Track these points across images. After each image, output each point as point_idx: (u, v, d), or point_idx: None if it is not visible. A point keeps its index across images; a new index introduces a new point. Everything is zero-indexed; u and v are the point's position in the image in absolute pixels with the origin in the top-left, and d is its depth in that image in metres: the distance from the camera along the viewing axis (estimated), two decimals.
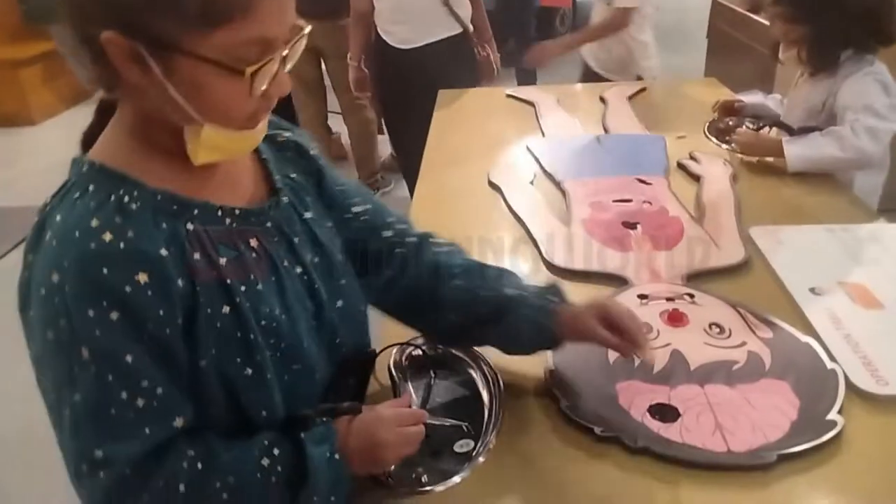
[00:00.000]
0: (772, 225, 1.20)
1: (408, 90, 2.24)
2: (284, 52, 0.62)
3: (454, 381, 0.89)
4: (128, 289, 0.58)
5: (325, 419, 0.71)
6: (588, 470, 0.75)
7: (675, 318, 0.95)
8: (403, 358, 0.92)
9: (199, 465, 0.62)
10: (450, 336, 0.90)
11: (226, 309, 0.64)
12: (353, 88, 2.48)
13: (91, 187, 0.61)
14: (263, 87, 0.61)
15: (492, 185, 1.44)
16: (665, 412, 0.80)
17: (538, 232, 1.23)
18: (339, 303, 0.79)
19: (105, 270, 0.58)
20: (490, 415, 0.82)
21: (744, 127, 1.59)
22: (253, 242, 0.69)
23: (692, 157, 1.49)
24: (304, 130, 0.85)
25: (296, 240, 0.73)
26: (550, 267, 1.13)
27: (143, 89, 0.59)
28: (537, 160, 1.54)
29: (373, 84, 2.44)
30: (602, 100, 1.91)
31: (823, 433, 0.75)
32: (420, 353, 0.92)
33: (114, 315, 0.58)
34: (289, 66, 0.64)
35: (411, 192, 1.59)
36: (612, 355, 0.89)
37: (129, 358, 0.59)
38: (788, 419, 0.78)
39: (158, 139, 0.63)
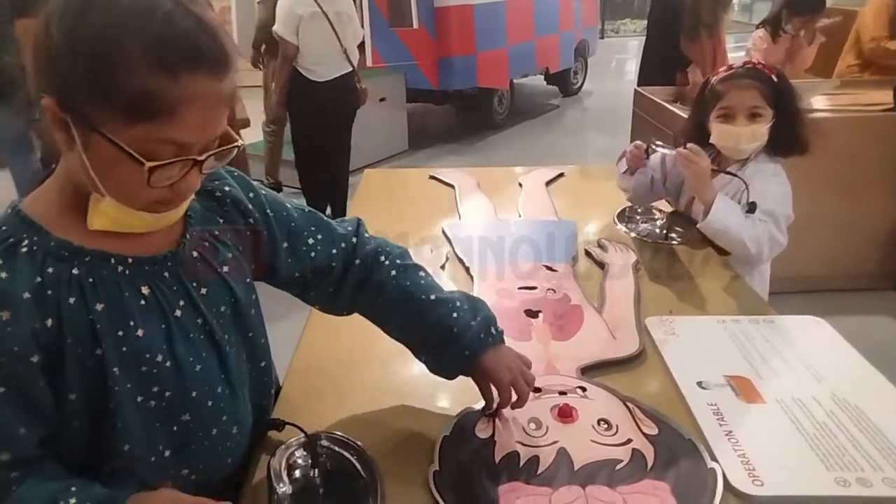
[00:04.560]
0: (668, 315, 1.23)
1: (322, 110, 3.41)
2: (200, 157, 0.66)
3: (332, 488, 0.85)
4: None
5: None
6: None
7: (565, 414, 0.95)
8: (289, 453, 0.89)
9: (7, 489, 0.67)
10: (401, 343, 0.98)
11: (98, 351, 0.68)
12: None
13: (2, 227, 0.67)
14: (168, 182, 0.66)
15: None
16: None
17: None
18: (244, 356, 0.85)
19: None
20: None
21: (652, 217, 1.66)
22: (144, 290, 0.72)
23: (599, 245, 1.54)
24: (245, 176, 0.89)
25: (203, 291, 0.77)
26: None
27: (68, 153, 0.66)
28: (450, 244, 1.56)
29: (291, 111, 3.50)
30: (520, 185, 1.96)
31: None
32: (304, 453, 0.89)
33: None
34: (206, 170, 0.69)
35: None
36: (498, 454, 0.88)
37: None
38: None
39: (76, 197, 0.69)
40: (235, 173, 0.86)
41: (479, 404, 0.97)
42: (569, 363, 1.08)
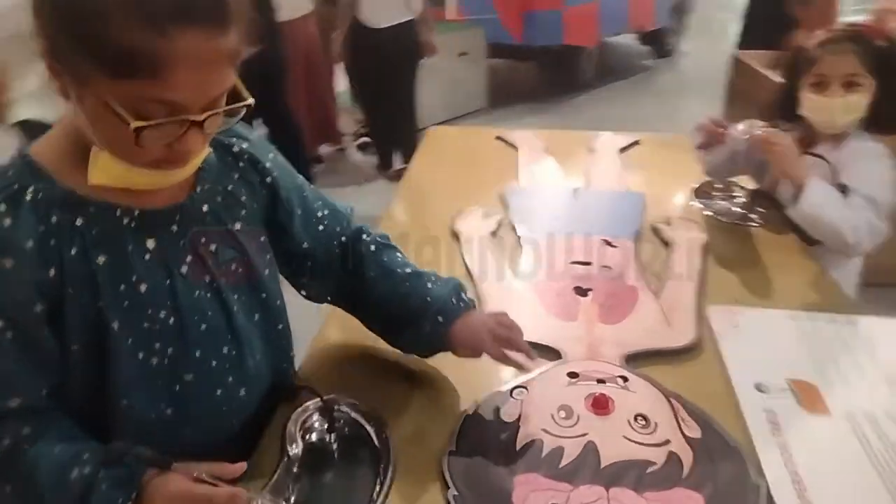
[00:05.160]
0: (734, 305, 1.12)
1: (376, 58, 3.38)
2: (199, 117, 0.62)
3: (343, 455, 0.82)
4: None
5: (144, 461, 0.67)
6: None
7: (600, 405, 0.87)
8: (306, 417, 0.86)
9: (25, 446, 0.66)
10: (379, 332, 0.96)
11: (99, 303, 0.67)
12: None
13: (9, 173, 0.66)
14: (163, 142, 0.63)
15: (454, 233, 1.39)
16: None
17: (485, 290, 1.16)
18: (257, 317, 0.81)
19: None
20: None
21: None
22: (149, 243, 0.70)
23: (668, 221, 1.42)
24: (265, 139, 0.87)
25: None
26: None
27: (67, 102, 0.63)
28: (506, 210, 1.49)
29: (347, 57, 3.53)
30: (591, 150, 1.85)
31: None
32: (320, 418, 0.86)
33: None
34: (210, 130, 0.64)
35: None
36: (520, 441, 0.82)
37: None
38: None
39: (81, 145, 0.66)
40: (255, 134, 0.83)
41: (509, 385, 0.92)
42: (613, 349, 1.00)
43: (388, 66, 3.49)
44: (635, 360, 0.99)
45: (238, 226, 0.78)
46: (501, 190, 1.58)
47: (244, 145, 0.81)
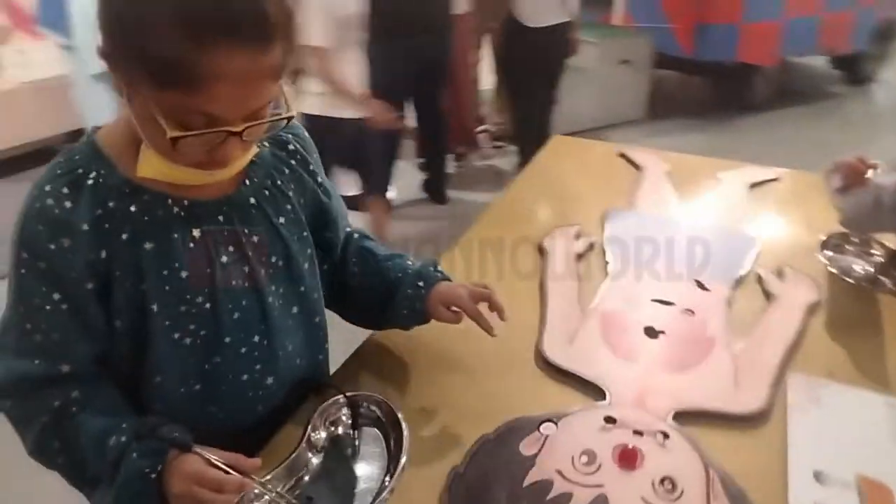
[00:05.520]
0: (823, 378, 1.00)
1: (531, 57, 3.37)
2: (236, 129, 0.65)
3: (357, 458, 0.85)
4: (52, 247, 0.69)
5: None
6: None
7: (627, 459, 0.83)
8: (332, 410, 0.89)
9: (72, 409, 0.73)
10: (361, 316, 1.01)
11: (143, 286, 0.72)
12: None
13: (76, 156, 0.72)
14: (202, 150, 0.66)
15: (540, 249, 1.36)
16: None
17: (552, 315, 1.13)
18: (294, 309, 0.86)
19: (40, 227, 0.69)
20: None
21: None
22: (195, 232, 0.75)
23: (778, 272, 1.29)
24: (310, 138, 0.91)
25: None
26: (539, 355, 1.03)
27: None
28: (603, 233, 1.43)
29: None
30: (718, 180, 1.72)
31: None
32: (346, 413, 0.89)
33: (41, 264, 0.70)
34: (251, 138, 0.68)
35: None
36: (531, 478, 0.79)
37: (37, 300, 0.71)
38: None
39: (137, 139, 0.70)
40: (303, 133, 0.87)
41: (539, 415, 0.89)
42: (665, 401, 0.94)
43: (541, 65, 3.48)
44: (688, 417, 0.92)
45: (282, 220, 0.81)
46: (605, 210, 1.52)
47: (298, 144, 0.85)
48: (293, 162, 0.84)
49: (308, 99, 2.49)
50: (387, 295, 0.95)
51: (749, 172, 1.78)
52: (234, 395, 0.81)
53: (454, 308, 0.93)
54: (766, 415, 0.93)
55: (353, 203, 3.46)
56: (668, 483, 0.80)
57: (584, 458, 0.83)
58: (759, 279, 1.27)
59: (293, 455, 0.82)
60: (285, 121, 0.69)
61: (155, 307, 0.73)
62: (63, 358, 0.73)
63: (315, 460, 0.84)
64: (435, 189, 3.68)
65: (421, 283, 0.94)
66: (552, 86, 3.62)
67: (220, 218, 0.76)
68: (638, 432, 0.87)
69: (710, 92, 5.51)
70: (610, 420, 0.89)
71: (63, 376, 0.73)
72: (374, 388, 0.93)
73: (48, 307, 0.70)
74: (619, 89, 4.71)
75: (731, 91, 5.23)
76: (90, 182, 0.70)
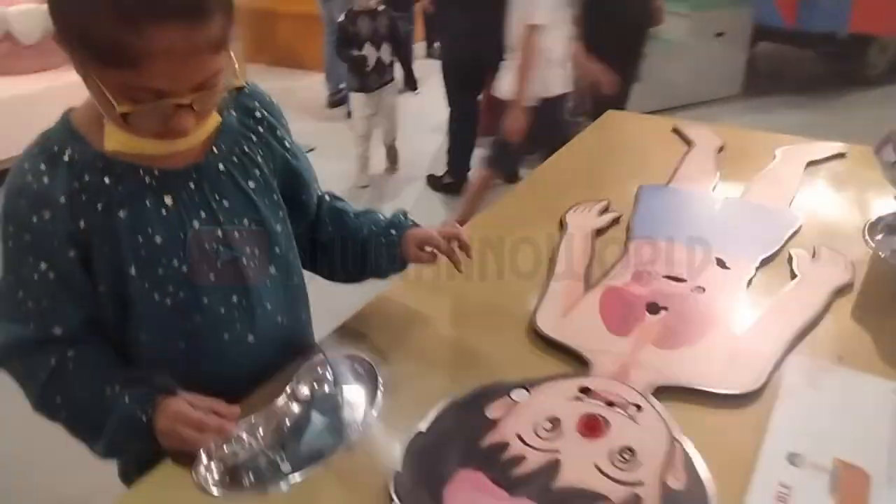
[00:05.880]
0: (828, 362, 0.95)
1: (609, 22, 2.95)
2: (185, 101, 0.70)
3: (333, 412, 0.90)
4: (34, 219, 0.76)
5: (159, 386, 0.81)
6: None
7: (591, 428, 0.82)
8: (315, 367, 0.94)
9: (68, 366, 0.80)
10: (338, 276, 1.07)
11: (121, 252, 0.78)
12: None
13: (51, 136, 0.78)
14: (154, 123, 0.71)
15: (561, 223, 1.35)
16: None
17: (553, 287, 1.13)
18: (272, 270, 0.91)
19: (21, 202, 0.76)
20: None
21: None
22: (167, 199, 0.80)
23: (814, 252, 1.22)
24: (278, 105, 0.95)
25: (225, 204, 0.84)
26: (533, 327, 1.04)
27: None
28: (635, 208, 1.40)
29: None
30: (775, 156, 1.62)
31: None
32: (328, 371, 0.94)
33: (26, 236, 0.77)
34: (201, 108, 0.73)
35: None
36: (490, 439, 0.81)
37: (26, 270, 0.77)
38: None
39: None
40: (269, 99, 0.91)
41: (512, 381, 0.90)
42: (647, 375, 0.92)
43: (620, 36, 3.37)
44: (672, 393, 0.90)
45: (252, 185, 0.86)
46: (641, 185, 1.48)
47: (265, 111, 0.89)
48: (260, 129, 0.89)
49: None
50: (362, 247, 1.02)
51: (811, 148, 1.67)
52: (218, 352, 0.87)
53: (428, 248, 1.00)
54: (755, 396, 0.90)
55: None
56: (627, 453, 0.79)
57: (548, 425, 0.83)
58: (790, 258, 1.21)
59: (271, 405, 0.88)
60: (236, 90, 0.74)
61: (133, 271, 0.78)
62: (55, 322, 0.79)
63: (294, 413, 0.89)
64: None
65: (393, 231, 1.02)
66: (633, 58, 3.48)
67: (191, 185, 0.81)
68: (611, 403, 0.87)
69: (814, 66, 5.12)
70: (585, 390, 0.89)
71: (57, 338, 0.79)
72: (360, 349, 0.98)
73: (36, 276, 0.76)
74: (714, 64, 4.48)
75: (840, 65, 4.83)
76: (66, 158, 0.75)
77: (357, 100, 3.59)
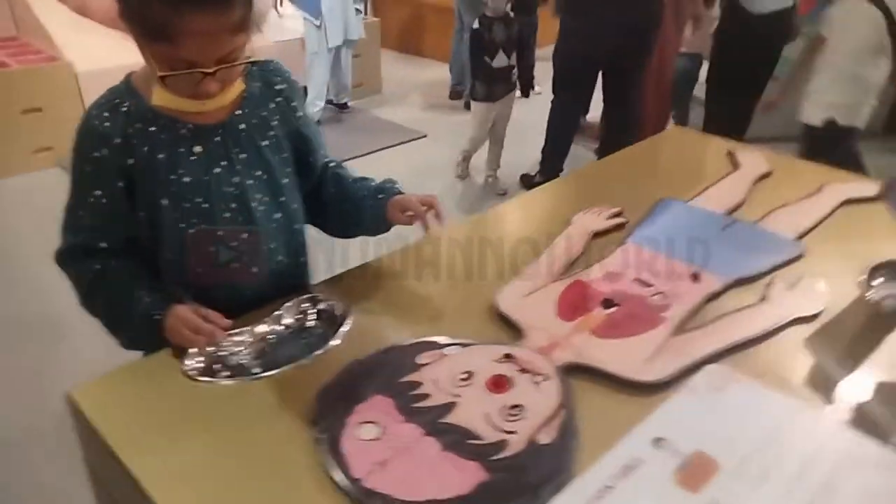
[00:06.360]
0: (744, 375, 1.02)
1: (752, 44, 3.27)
2: (209, 70, 0.92)
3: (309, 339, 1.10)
4: (96, 154, 0.99)
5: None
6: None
7: (496, 384, 0.97)
8: (302, 302, 1.16)
9: (108, 272, 1.04)
10: (333, 231, 1.28)
11: (157, 186, 1.01)
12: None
13: (115, 90, 1.02)
14: (187, 86, 0.94)
15: (567, 222, 1.47)
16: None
17: (527, 272, 1.27)
18: (277, 216, 1.13)
19: (88, 139, 1.00)
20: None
21: None
22: (196, 149, 1.03)
23: (793, 285, 1.25)
24: (298, 84, 1.18)
25: (242, 156, 1.07)
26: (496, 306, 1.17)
27: None
28: (644, 219, 1.48)
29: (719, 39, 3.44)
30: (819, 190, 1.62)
31: None
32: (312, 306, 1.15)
33: (87, 167, 1.01)
34: (222, 79, 0.95)
35: None
36: (407, 377, 0.98)
37: (84, 194, 1.02)
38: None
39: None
40: (289, 76, 1.12)
41: (451, 341, 1.06)
42: (567, 354, 1.04)
43: (759, 55, 3.35)
44: (587, 373, 1.02)
45: (266, 143, 1.08)
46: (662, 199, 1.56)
47: (284, 86, 1.11)
48: (279, 99, 1.11)
49: None
50: (355, 208, 1.20)
51: (857, 187, 1.65)
52: (227, 278, 1.10)
53: (408, 213, 1.16)
54: (657, 389, 0.99)
55: None
56: (516, 409, 0.93)
57: (464, 376, 0.99)
58: (768, 285, 1.26)
59: (258, 325, 1.10)
60: (250, 64, 0.97)
61: (164, 202, 1.02)
62: (102, 237, 1.02)
63: (275, 334, 1.10)
64: None
65: (381, 195, 1.19)
66: (763, 79, 3.42)
67: (217, 139, 1.04)
68: (524, 370, 1.00)
69: None
70: (508, 356, 1.03)
71: (102, 250, 1.02)
72: (346, 297, 1.18)
73: (91, 199, 0.99)
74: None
75: None
76: (124, 109, 0.98)
77: (480, 108, 3.56)
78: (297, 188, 1.17)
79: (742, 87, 3.38)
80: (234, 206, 1.07)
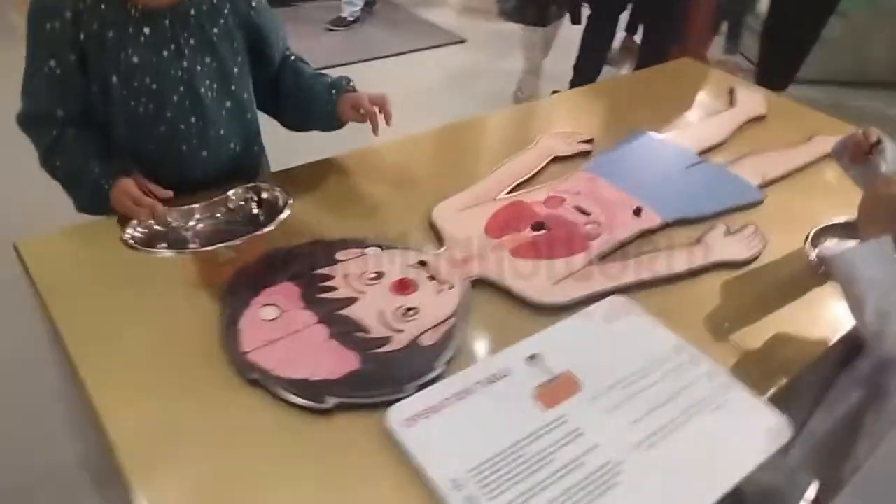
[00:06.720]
0: (643, 309, 1.04)
1: None
2: None
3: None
4: (48, 26, 1.04)
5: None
6: None
7: (400, 287, 1.03)
8: (246, 189, 1.21)
9: (64, 139, 1.10)
10: (288, 123, 1.34)
11: (107, 63, 1.06)
12: None
13: None
14: None
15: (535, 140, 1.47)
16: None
17: (471, 189, 1.30)
18: (228, 104, 1.18)
19: (40, 10, 1.05)
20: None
21: None
22: (146, 30, 1.07)
23: (738, 230, 1.25)
24: None
25: (191, 42, 1.11)
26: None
27: None
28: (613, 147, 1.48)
29: None
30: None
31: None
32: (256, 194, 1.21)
33: (40, 38, 1.06)
34: None
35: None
36: (321, 270, 1.05)
37: (39, 63, 1.07)
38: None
39: None
40: None
41: (371, 241, 1.12)
42: (480, 269, 1.09)
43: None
44: (495, 290, 1.07)
45: (216, 31, 1.11)
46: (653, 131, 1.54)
47: None
48: None
49: None
50: (308, 101, 1.24)
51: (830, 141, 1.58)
52: (178, 159, 1.17)
53: (361, 110, 1.20)
54: (554, 311, 1.03)
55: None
56: (412, 312, 0.99)
57: (374, 276, 1.05)
58: (711, 227, 1.26)
59: (205, 204, 1.17)
60: None
61: (114, 79, 1.08)
62: (58, 106, 1.08)
63: (219, 213, 1.17)
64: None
65: (334, 91, 1.23)
66: (821, 21, 3.21)
67: (165, 22, 1.08)
68: (432, 277, 1.06)
69: None
70: (422, 263, 1.08)
71: (59, 117, 1.08)
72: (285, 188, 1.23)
73: (46, 69, 1.05)
74: None
75: None
76: None
77: (530, 33, 3.37)
78: (250, 77, 1.20)
79: (795, 29, 3.18)
80: (181, 89, 1.12)
